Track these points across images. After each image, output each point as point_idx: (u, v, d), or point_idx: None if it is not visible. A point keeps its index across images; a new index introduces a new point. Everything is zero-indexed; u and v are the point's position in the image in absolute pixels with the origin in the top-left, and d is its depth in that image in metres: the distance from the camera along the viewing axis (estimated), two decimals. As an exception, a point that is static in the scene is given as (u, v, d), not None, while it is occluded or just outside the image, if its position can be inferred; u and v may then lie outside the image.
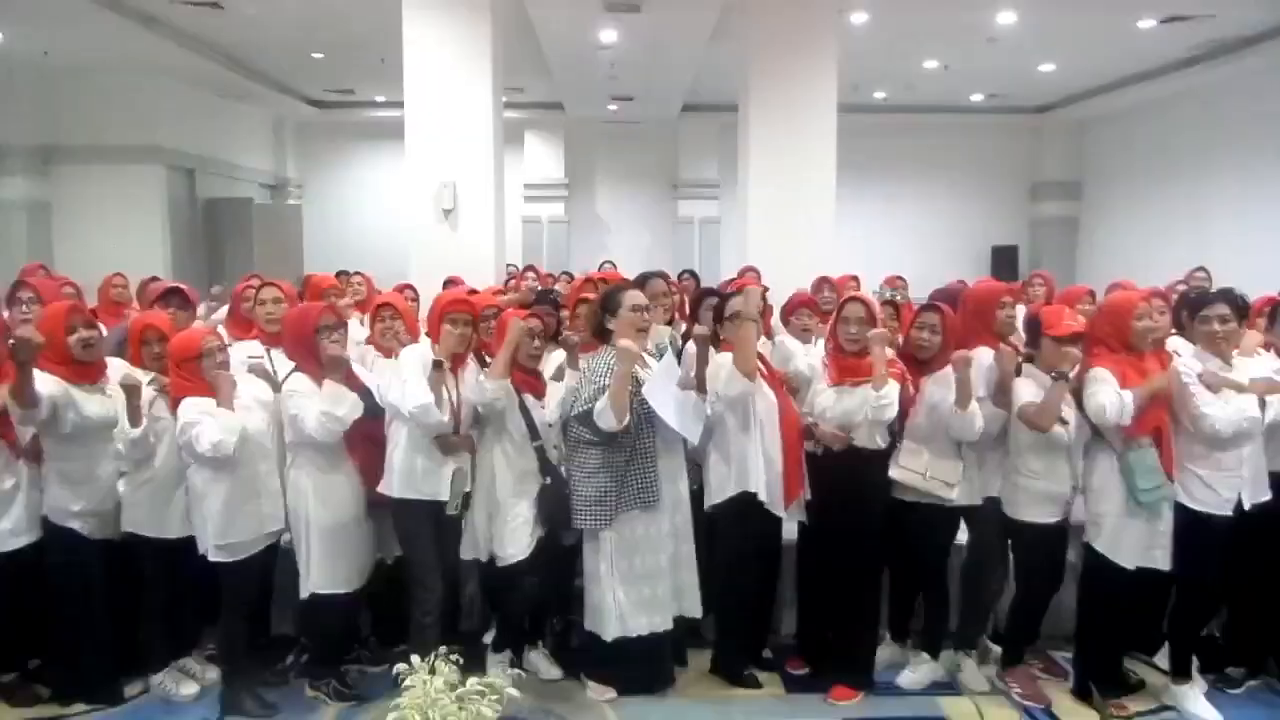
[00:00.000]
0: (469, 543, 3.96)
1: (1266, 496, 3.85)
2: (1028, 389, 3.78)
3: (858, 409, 3.82)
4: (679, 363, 4.00)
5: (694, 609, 4.00)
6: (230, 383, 3.68)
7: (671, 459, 3.92)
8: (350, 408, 3.70)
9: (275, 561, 4.00)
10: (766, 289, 5.07)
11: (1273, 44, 9.77)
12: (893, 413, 3.78)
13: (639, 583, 3.85)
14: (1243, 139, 11.13)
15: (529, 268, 6.76)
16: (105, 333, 4.04)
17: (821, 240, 7.39)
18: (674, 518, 3.92)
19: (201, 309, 5.57)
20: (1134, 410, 3.59)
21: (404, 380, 3.71)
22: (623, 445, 3.79)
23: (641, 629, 3.86)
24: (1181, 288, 5.47)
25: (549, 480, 3.90)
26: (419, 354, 3.82)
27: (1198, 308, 3.87)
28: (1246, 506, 3.78)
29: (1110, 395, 3.60)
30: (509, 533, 3.87)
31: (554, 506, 3.89)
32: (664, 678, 4.06)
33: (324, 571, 3.79)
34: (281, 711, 3.85)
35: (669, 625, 3.91)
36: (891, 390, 3.74)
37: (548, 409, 3.97)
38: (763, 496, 3.85)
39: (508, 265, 7.53)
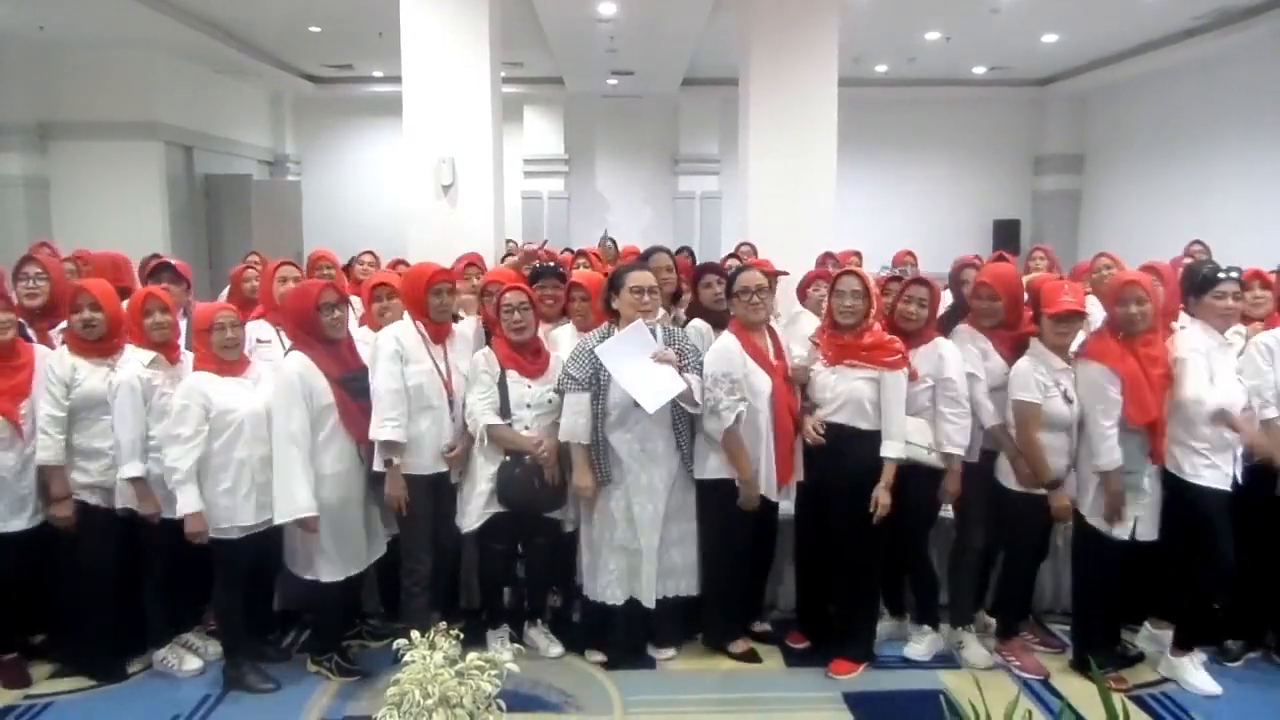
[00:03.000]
0: (459, 511, 4.07)
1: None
2: (1025, 368, 3.81)
3: (861, 394, 3.83)
4: (674, 338, 3.99)
5: (688, 588, 4.05)
6: None
7: (642, 445, 3.90)
8: None
9: (276, 538, 4.01)
10: (783, 273, 5.03)
11: (1276, 14, 9.67)
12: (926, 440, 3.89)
13: (616, 554, 3.94)
14: (1246, 110, 11.04)
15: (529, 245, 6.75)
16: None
17: (822, 215, 7.35)
18: (632, 504, 3.92)
19: None
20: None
21: (376, 371, 3.87)
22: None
23: (601, 596, 3.98)
24: (1188, 261, 5.45)
25: (508, 458, 3.91)
26: (393, 337, 3.91)
27: (1205, 285, 3.87)
28: (1240, 480, 3.82)
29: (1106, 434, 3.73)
30: (466, 505, 3.99)
31: (509, 487, 3.89)
32: (628, 654, 4.09)
33: (328, 559, 3.82)
34: (284, 687, 3.87)
35: (619, 601, 3.99)
36: (899, 409, 3.83)
37: (534, 388, 3.97)
38: (759, 483, 3.89)
39: (507, 240, 7.49)
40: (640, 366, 3.77)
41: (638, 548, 3.94)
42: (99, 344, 3.81)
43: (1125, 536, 3.77)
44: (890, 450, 3.79)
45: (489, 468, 3.92)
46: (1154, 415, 3.70)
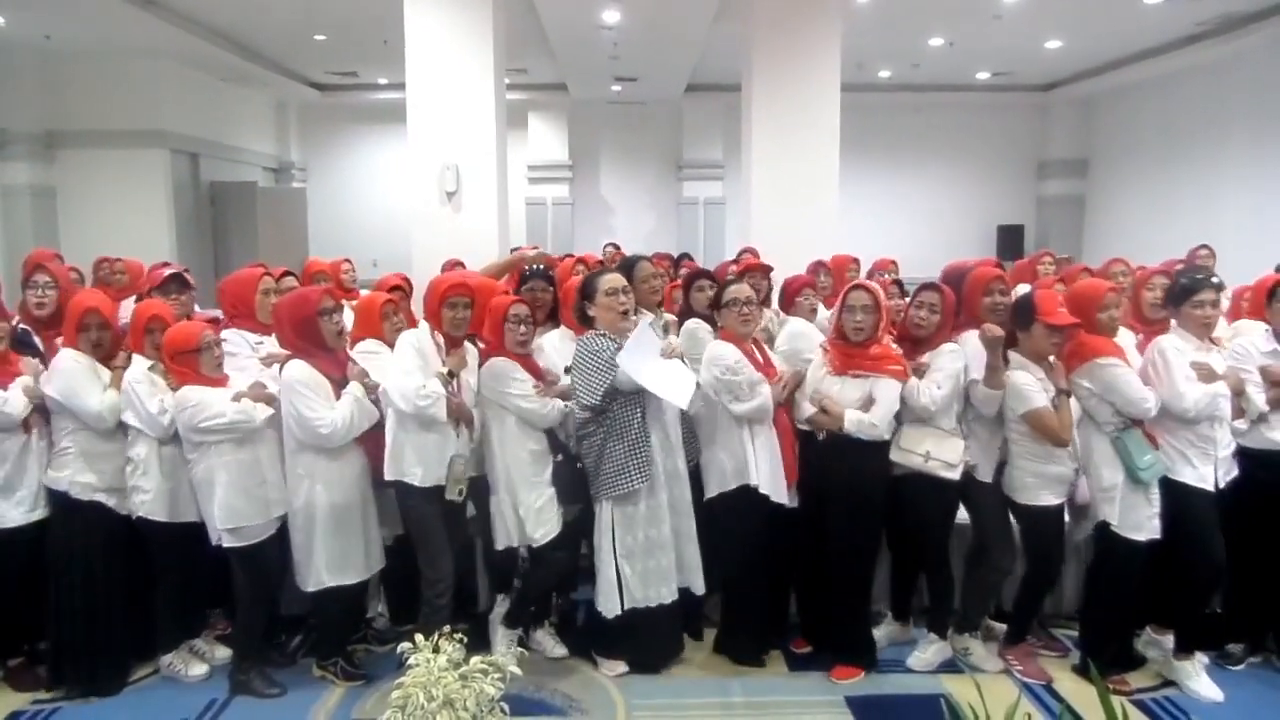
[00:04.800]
0: (501, 532, 3.99)
1: (1235, 473, 3.92)
2: (1024, 380, 3.80)
3: (863, 401, 3.84)
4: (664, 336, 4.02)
5: (697, 583, 4.03)
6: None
7: (666, 433, 3.93)
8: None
9: (283, 542, 4.03)
10: (770, 268, 5.05)
11: (1279, 19, 9.69)
12: (879, 433, 3.83)
13: (644, 556, 3.91)
14: (1250, 115, 11.04)
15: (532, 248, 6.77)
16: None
17: (826, 220, 7.37)
18: (672, 491, 3.94)
19: None
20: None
21: (401, 370, 3.78)
22: (602, 422, 3.85)
23: (649, 601, 3.92)
24: (1179, 267, 5.45)
25: (560, 457, 3.94)
26: (414, 340, 3.88)
27: (1185, 294, 3.90)
28: (1222, 484, 3.84)
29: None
30: (535, 514, 3.90)
31: (567, 482, 3.94)
32: (671, 652, 4.09)
33: (334, 564, 3.82)
34: (289, 691, 3.89)
35: (674, 596, 3.96)
36: (884, 407, 3.80)
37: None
38: (765, 489, 3.90)
39: (513, 249, 7.50)
40: (657, 366, 3.80)
41: (678, 530, 3.95)
42: (102, 360, 3.86)
43: (1154, 536, 3.77)
44: (849, 416, 3.80)
45: (543, 475, 3.93)
46: None
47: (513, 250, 6.90)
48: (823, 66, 7.46)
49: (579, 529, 4.09)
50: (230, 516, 3.71)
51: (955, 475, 3.88)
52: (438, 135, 7.15)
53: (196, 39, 10.39)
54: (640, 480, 3.82)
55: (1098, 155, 14.83)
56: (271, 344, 4.13)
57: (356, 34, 10.67)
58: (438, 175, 7.14)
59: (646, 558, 3.91)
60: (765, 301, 4.59)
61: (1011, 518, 4.04)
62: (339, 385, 3.80)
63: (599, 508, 3.95)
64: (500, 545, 4.00)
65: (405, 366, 3.79)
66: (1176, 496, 3.79)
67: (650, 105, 15.03)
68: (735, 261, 6.30)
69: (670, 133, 15.39)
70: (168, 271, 4.74)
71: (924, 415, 3.85)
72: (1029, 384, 3.78)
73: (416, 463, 3.83)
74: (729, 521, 3.99)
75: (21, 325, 4.26)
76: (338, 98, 14.76)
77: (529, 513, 3.91)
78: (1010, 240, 14.91)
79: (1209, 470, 3.81)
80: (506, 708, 2.38)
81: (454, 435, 3.89)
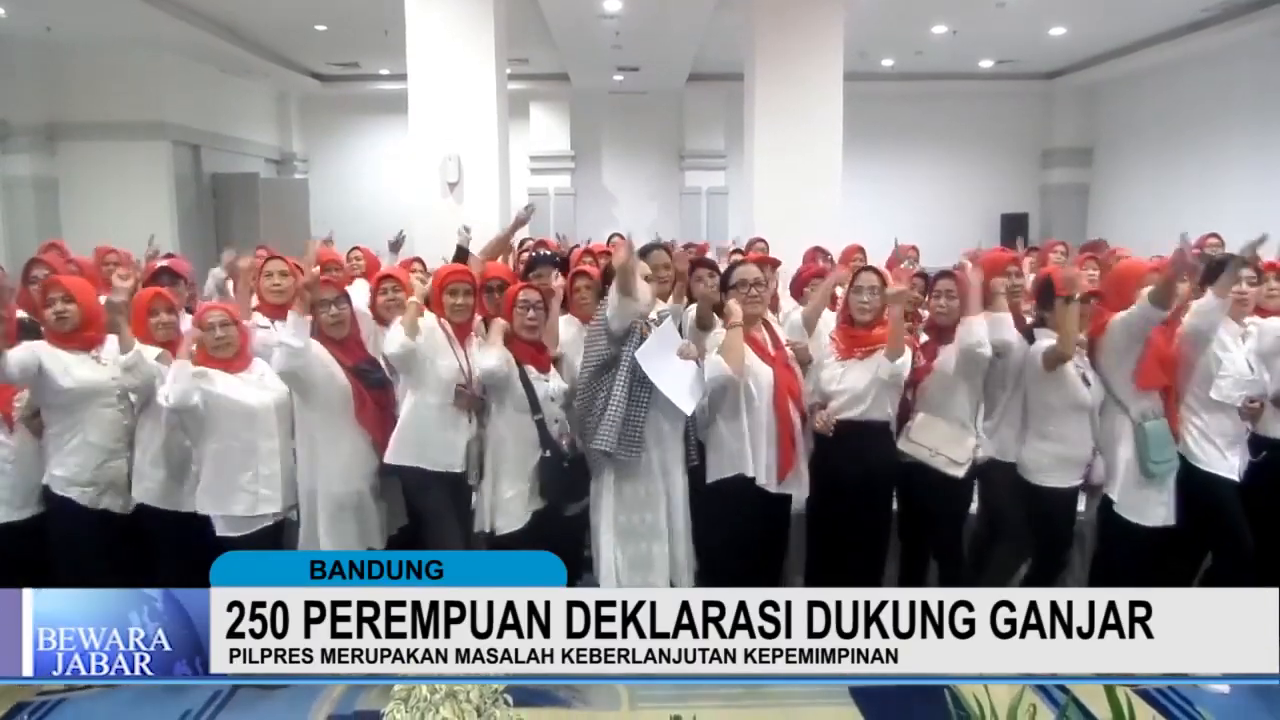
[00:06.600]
0: (478, 516, 3.98)
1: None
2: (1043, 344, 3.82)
3: (866, 380, 3.83)
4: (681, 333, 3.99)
5: (684, 582, 3.95)
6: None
7: (668, 425, 3.86)
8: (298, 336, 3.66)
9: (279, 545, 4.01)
10: (778, 263, 5.03)
11: (1286, 5, 9.64)
12: (904, 376, 3.79)
13: (635, 540, 3.83)
14: (1255, 102, 10.99)
15: (540, 242, 6.73)
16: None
17: (829, 209, 7.37)
18: (669, 482, 3.86)
19: (211, 284, 5.61)
20: None
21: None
22: (611, 380, 3.75)
23: (637, 585, 3.81)
24: (1196, 252, 5.41)
25: (548, 453, 3.89)
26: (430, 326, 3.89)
27: (1219, 271, 3.85)
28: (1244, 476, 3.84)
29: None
30: (503, 505, 3.88)
31: (553, 479, 3.88)
32: None
33: (336, 541, 3.79)
34: (292, 685, 3.88)
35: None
36: (905, 358, 3.75)
37: (552, 381, 3.95)
38: (759, 478, 3.85)
39: (523, 240, 7.47)
40: (672, 367, 3.74)
41: (673, 526, 3.87)
42: (74, 335, 3.81)
43: (1160, 522, 3.75)
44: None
45: (524, 468, 3.90)
46: (1163, 382, 3.75)
47: (523, 242, 6.88)
48: (825, 55, 7.45)
49: (562, 524, 4.04)
50: (215, 501, 3.72)
51: (960, 473, 3.86)
52: (439, 126, 7.15)
53: (197, 30, 10.37)
54: (632, 450, 3.73)
55: (1102, 143, 14.78)
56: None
57: (357, 24, 10.65)
58: (440, 166, 7.14)
59: (638, 541, 3.83)
60: (774, 302, 4.57)
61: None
62: (351, 370, 3.80)
63: (597, 486, 3.89)
64: (475, 528, 3.98)
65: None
66: (1206, 487, 3.76)
67: (652, 95, 14.99)
68: (742, 252, 6.29)
69: (672, 122, 15.35)
70: (159, 263, 4.74)
71: (971, 340, 3.79)
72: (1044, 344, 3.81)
73: (431, 445, 3.82)
74: (721, 509, 3.94)
75: (30, 318, 4.26)
76: (339, 88, 14.74)
77: (499, 501, 3.89)
78: (1014, 229, 14.83)
79: (1237, 459, 3.81)
80: (510, 699, 2.38)
81: (466, 421, 3.92)
